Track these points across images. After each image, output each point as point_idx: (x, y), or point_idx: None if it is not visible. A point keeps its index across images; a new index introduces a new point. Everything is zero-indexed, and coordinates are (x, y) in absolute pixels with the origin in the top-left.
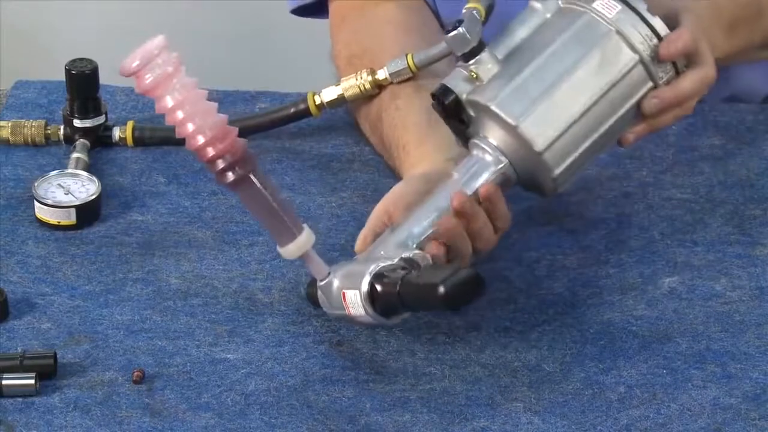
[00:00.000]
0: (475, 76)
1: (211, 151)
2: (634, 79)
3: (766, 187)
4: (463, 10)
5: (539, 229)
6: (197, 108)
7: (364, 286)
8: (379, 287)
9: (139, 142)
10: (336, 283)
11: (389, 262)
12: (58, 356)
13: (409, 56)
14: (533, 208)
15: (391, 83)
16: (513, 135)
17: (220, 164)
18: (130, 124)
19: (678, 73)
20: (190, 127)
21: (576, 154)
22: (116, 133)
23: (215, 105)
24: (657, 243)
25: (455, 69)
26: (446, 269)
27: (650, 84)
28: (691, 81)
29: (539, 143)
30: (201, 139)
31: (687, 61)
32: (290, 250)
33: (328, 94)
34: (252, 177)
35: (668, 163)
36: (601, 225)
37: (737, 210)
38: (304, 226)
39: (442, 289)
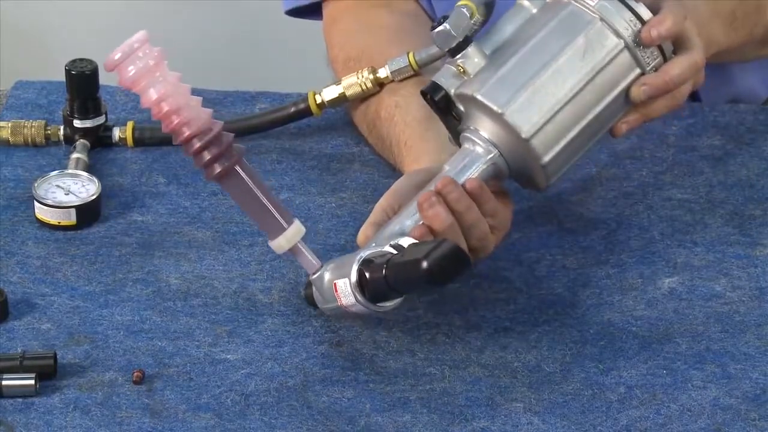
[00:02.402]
0: (462, 70)
1: (196, 143)
2: (621, 65)
3: (766, 187)
4: (457, 4)
5: (539, 229)
6: (181, 100)
7: (353, 274)
8: (367, 273)
9: (139, 142)
10: (327, 275)
11: (378, 249)
12: (58, 356)
13: (411, 54)
14: (533, 208)
15: (393, 81)
16: (500, 124)
17: (206, 156)
18: (130, 125)
19: (666, 59)
20: (175, 119)
21: (564, 142)
22: (116, 133)
23: (200, 99)
24: (657, 243)
25: (444, 66)
26: (428, 244)
27: (638, 70)
28: (679, 66)
29: (525, 129)
30: (186, 131)
31: (675, 47)
32: (280, 243)
33: (329, 93)
34: (238, 168)
35: (668, 163)
36: (601, 225)
37: (737, 210)
38: (294, 219)
39: (425, 264)
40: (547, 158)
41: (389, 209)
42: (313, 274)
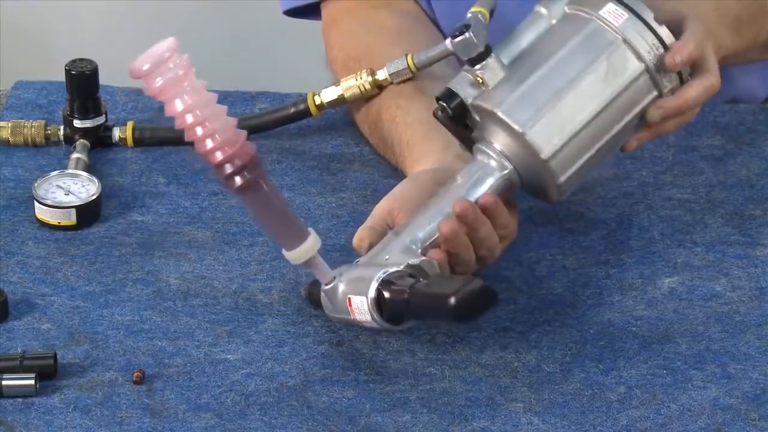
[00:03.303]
0: (481, 81)
1: (219, 155)
2: (640, 88)
3: (766, 187)
4: (468, 14)
5: (539, 229)
6: (207, 111)
7: (372, 293)
8: (386, 293)
9: (139, 142)
10: (341, 287)
11: (396, 269)
12: (58, 356)
13: (409, 56)
14: (533, 208)
15: (391, 83)
16: (519, 142)
17: (228, 168)
18: (130, 125)
19: (682, 81)
20: (199, 131)
21: (581, 162)
22: (116, 133)
23: (225, 108)
24: (657, 243)
25: (460, 73)
26: (457, 280)
27: (655, 93)
28: (695, 90)
29: (546, 151)
30: (210, 143)
31: (691, 69)
32: (297, 254)
33: (328, 94)
34: (261, 181)
35: (668, 163)
36: (601, 225)
37: (737, 210)
38: (310, 230)
39: (453, 301)
40: (563, 178)
41: (388, 215)
42: (327, 284)
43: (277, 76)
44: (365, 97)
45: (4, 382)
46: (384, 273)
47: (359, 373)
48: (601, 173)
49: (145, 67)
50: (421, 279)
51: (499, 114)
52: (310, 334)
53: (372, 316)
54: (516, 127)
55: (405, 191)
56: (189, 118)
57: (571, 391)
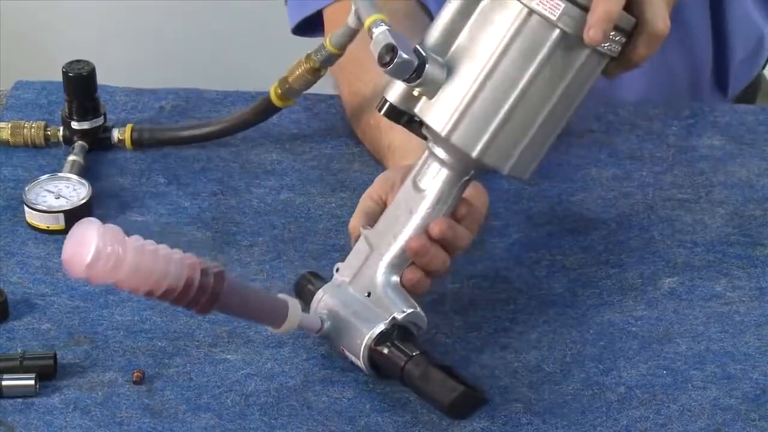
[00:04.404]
0: (422, 93)
1: (185, 299)
2: (590, 67)
3: (766, 187)
4: (373, 30)
5: (539, 229)
6: (156, 270)
7: (364, 359)
8: (384, 350)
9: (138, 144)
10: (333, 338)
11: (381, 327)
12: (58, 357)
13: (327, 39)
14: (533, 208)
15: (322, 68)
16: (475, 161)
17: (198, 304)
18: (128, 128)
19: (628, 33)
20: (158, 292)
21: (539, 159)
22: (115, 134)
23: (166, 249)
24: (657, 243)
25: (396, 83)
26: (453, 388)
27: (606, 60)
28: (639, 47)
29: (506, 168)
30: (172, 296)
31: (634, 19)
32: (287, 327)
33: (281, 84)
34: (228, 292)
35: (668, 163)
36: (601, 225)
37: (737, 210)
38: (286, 298)
39: (446, 404)
40: (525, 176)
41: (376, 196)
42: (318, 332)
43: (277, 76)
44: (308, 82)
45: (4, 383)
46: (370, 339)
47: (359, 373)
48: (601, 173)
49: (89, 258)
50: (414, 353)
51: (453, 141)
52: (310, 335)
53: (369, 371)
54: (472, 154)
55: (387, 176)
56: (144, 289)
57: (571, 391)
